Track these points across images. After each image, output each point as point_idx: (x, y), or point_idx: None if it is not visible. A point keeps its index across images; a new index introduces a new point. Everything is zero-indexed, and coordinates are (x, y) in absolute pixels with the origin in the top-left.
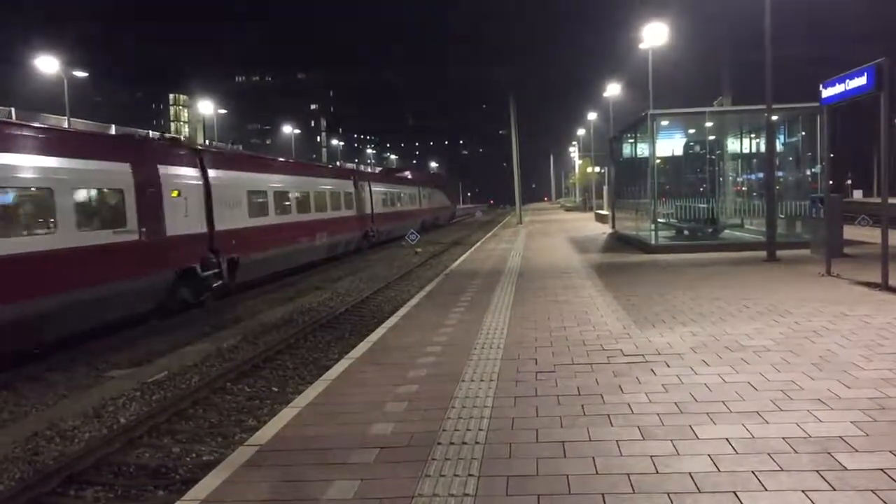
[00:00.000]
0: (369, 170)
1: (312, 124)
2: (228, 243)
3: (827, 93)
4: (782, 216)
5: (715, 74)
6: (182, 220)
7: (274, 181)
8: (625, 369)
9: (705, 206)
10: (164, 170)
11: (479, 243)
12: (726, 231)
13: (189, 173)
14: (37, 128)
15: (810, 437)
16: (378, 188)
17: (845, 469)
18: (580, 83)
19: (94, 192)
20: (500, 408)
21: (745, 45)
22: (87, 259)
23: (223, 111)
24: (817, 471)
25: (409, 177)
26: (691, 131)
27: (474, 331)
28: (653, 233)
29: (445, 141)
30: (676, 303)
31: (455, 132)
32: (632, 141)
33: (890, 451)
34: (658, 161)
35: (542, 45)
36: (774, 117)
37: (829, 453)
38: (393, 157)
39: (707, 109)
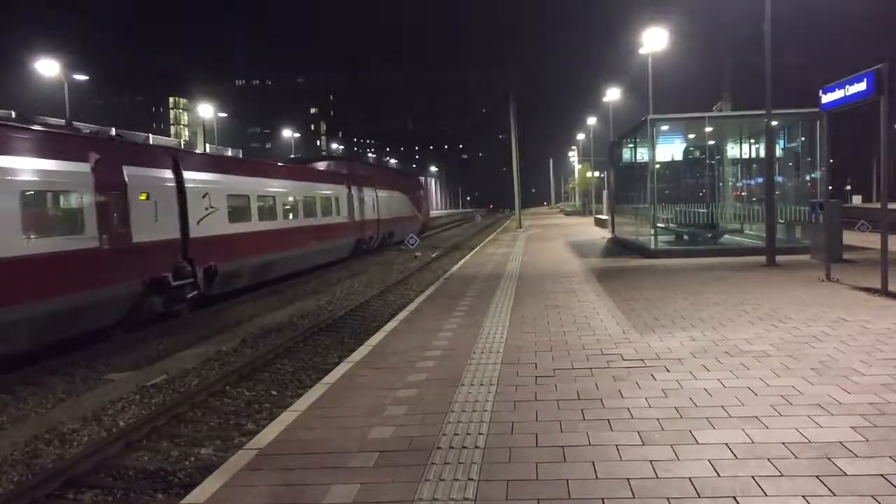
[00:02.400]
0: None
1: (312, 128)
2: (205, 251)
3: (827, 98)
4: (782, 221)
5: (715, 79)
6: (151, 226)
7: (258, 185)
8: (624, 374)
9: (705, 210)
10: (130, 171)
11: (478, 247)
12: (726, 236)
13: (160, 175)
14: None
15: (810, 442)
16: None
17: (845, 474)
18: (581, 88)
19: (44, 195)
20: (500, 412)
21: (745, 50)
22: (33, 270)
23: (223, 115)
24: (817, 476)
25: (333, 171)
26: (691, 136)
27: (474, 335)
28: (652, 237)
29: (445, 145)
30: (676, 307)
31: (455, 136)
32: (631, 146)
33: (890, 457)
34: (658, 166)
35: (543, 49)
36: (774, 122)
37: (828, 458)
38: (393, 160)
39: (707, 114)
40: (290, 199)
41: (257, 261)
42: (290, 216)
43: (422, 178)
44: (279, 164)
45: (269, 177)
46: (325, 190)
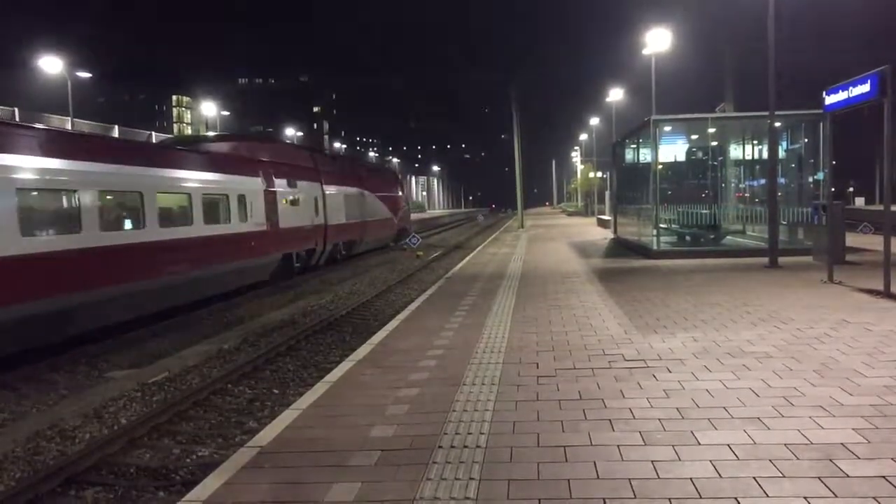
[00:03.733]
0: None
1: (315, 126)
2: None
3: (830, 100)
4: (784, 223)
5: (718, 80)
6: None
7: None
8: (626, 374)
9: (707, 211)
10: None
11: (480, 247)
12: (728, 237)
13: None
14: None
15: (812, 443)
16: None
17: (847, 476)
18: (583, 88)
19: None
20: (502, 412)
21: (749, 52)
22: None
23: (226, 113)
24: (819, 477)
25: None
26: (694, 137)
27: (475, 334)
28: (655, 238)
29: (448, 144)
30: (678, 308)
31: (457, 136)
32: (634, 146)
33: (892, 459)
34: (660, 166)
35: (547, 49)
36: (777, 124)
37: (830, 460)
38: (395, 160)
39: (710, 115)
40: (127, 195)
41: (81, 299)
42: (127, 223)
43: (396, 170)
44: (114, 138)
45: (73, 157)
46: (216, 184)
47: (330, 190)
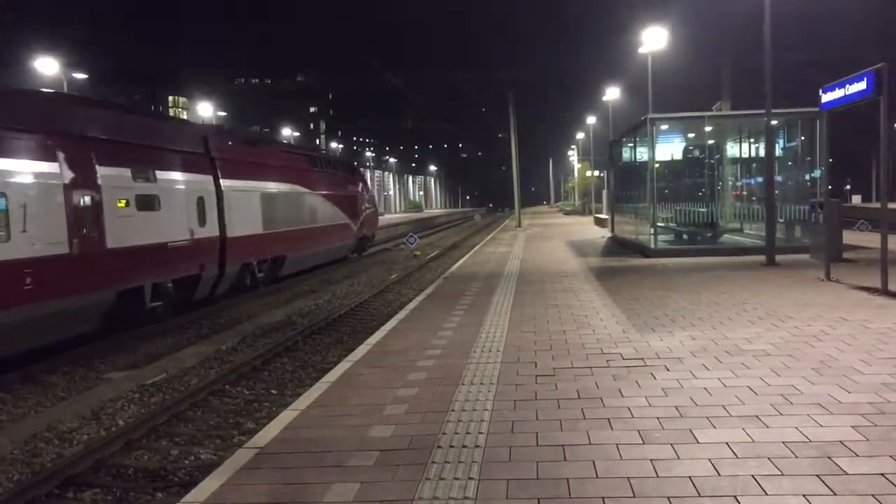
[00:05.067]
0: None
1: (311, 126)
2: None
3: (827, 97)
4: (781, 221)
5: (715, 79)
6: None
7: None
8: (624, 373)
9: (704, 210)
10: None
11: (477, 247)
12: (725, 235)
13: None
14: None
15: (810, 441)
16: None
17: (846, 473)
18: (580, 87)
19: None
20: (500, 411)
21: (745, 50)
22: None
23: (222, 113)
24: (818, 475)
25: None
26: (691, 136)
27: (474, 334)
28: (652, 237)
29: (445, 144)
30: (676, 307)
31: (454, 135)
32: (631, 145)
33: (890, 456)
34: (657, 165)
35: (543, 48)
36: (774, 122)
37: (829, 458)
38: (392, 159)
39: (706, 114)
40: None
41: None
42: None
43: (354, 163)
44: None
45: None
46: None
47: (233, 185)
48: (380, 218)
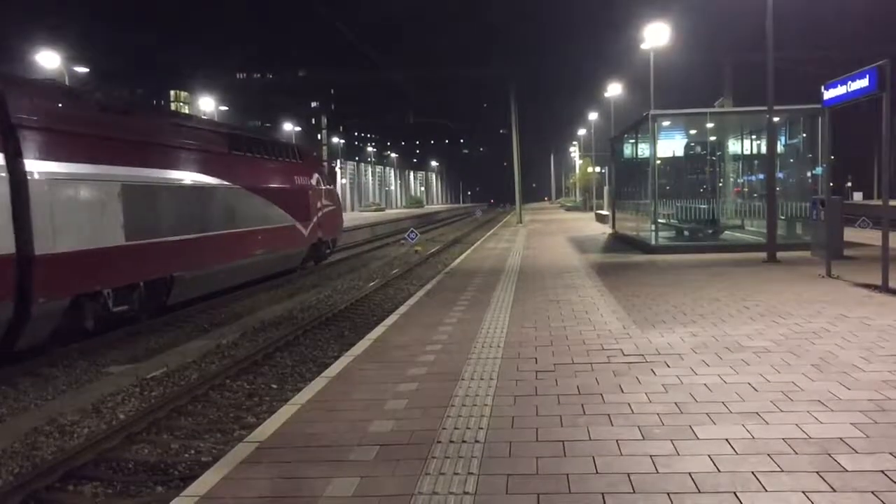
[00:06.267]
0: None
1: (313, 122)
2: None
3: (829, 94)
4: (783, 217)
5: (717, 75)
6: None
7: None
8: (625, 369)
9: (706, 206)
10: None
11: (478, 242)
12: (727, 232)
13: None
14: None
15: (810, 438)
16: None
17: (845, 470)
18: (582, 83)
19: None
20: (500, 406)
21: (747, 47)
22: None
23: (224, 108)
24: (817, 472)
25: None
26: (692, 132)
27: (474, 329)
28: (653, 233)
29: (446, 140)
30: (676, 303)
31: (456, 131)
32: (633, 141)
33: (890, 453)
34: (659, 161)
35: (545, 44)
36: (776, 118)
37: (829, 455)
38: (394, 155)
39: (708, 110)
40: None
41: None
42: None
43: (313, 151)
44: None
45: None
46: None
47: (57, 171)
48: (382, 213)
